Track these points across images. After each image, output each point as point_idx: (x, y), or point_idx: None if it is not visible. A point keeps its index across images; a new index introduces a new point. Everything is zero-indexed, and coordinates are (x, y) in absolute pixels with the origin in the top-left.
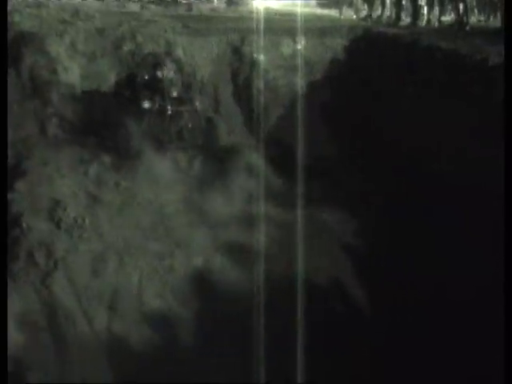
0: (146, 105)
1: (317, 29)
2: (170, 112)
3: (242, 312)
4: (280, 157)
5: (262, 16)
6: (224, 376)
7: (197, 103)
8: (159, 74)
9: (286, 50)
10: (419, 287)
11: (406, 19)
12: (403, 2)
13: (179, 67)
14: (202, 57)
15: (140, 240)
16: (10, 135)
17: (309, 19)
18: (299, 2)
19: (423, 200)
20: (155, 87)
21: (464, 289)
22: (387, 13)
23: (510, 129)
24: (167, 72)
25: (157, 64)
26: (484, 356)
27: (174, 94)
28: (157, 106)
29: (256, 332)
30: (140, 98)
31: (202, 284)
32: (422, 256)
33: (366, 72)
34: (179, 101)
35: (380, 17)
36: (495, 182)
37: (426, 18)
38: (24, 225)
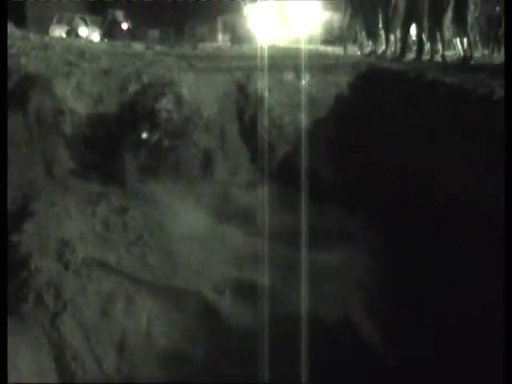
0: (144, 136)
1: (321, 65)
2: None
3: (248, 350)
4: (285, 194)
5: (266, 54)
6: None
7: (194, 137)
8: (157, 105)
9: (290, 87)
10: (431, 320)
11: (409, 55)
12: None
13: (179, 99)
14: (207, 95)
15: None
16: (17, 177)
17: (313, 56)
18: (303, 39)
19: (430, 233)
20: (154, 119)
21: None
22: (392, 48)
23: (510, 138)
24: (166, 104)
25: (157, 95)
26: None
27: (172, 127)
28: (155, 137)
29: (261, 371)
30: (139, 128)
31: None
32: (432, 288)
33: (370, 107)
34: (176, 134)
35: (384, 52)
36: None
37: (429, 53)
38: (33, 266)
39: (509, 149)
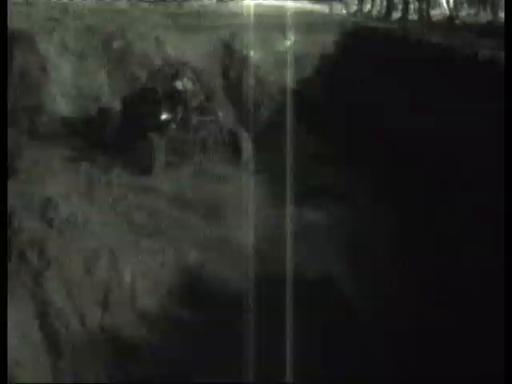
0: (164, 116)
1: (307, 24)
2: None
3: (232, 309)
4: (270, 153)
5: (252, 12)
6: (213, 372)
7: (220, 114)
8: (176, 84)
9: (276, 45)
10: (415, 284)
11: (395, 14)
12: None
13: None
14: (192, 53)
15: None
16: None
17: (299, 15)
18: None
19: (416, 194)
20: (175, 99)
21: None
22: (377, 7)
23: (510, 131)
24: (186, 83)
25: (174, 75)
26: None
27: (195, 105)
28: (179, 116)
29: (246, 329)
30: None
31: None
32: (418, 252)
33: (355, 66)
34: (201, 110)
35: (370, 11)
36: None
37: (416, 12)
38: (16, 224)
39: (509, 146)
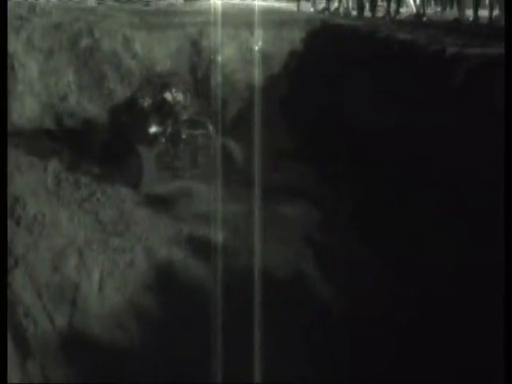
0: (153, 129)
1: (274, 21)
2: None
3: (200, 306)
4: (238, 151)
5: (219, 9)
6: (180, 369)
7: (210, 127)
8: (166, 95)
9: (243, 43)
10: (390, 282)
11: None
12: None
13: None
14: (160, 51)
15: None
16: None
17: (266, 13)
18: None
19: (386, 189)
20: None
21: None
22: (344, 5)
23: (510, 130)
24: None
25: (163, 86)
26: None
27: (185, 118)
28: (169, 130)
29: (214, 327)
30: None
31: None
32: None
33: (323, 64)
34: (191, 124)
35: (337, 9)
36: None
37: (383, 10)
38: None
39: (509, 147)
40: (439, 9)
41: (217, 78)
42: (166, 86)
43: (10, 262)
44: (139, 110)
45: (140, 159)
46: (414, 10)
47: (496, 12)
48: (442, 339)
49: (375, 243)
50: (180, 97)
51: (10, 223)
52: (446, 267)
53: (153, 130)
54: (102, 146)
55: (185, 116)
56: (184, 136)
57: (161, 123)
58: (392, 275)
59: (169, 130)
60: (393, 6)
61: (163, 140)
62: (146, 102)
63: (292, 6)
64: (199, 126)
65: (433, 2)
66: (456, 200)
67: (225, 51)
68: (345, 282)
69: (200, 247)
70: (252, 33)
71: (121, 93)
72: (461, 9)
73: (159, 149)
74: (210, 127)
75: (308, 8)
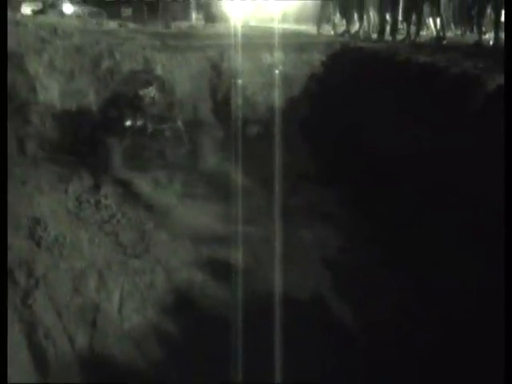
0: (128, 123)
1: (294, 44)
2: (150, 130)
3: (221, 329)
4: (258, 173)
5: (239, 32)
6: None
7: (179, 122)
8: (141, 92)
9: (263, 65)
10: (409, 304)
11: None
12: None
13: (161, 85)
14: (180, 73)
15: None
16: None
17: (286, 35)
18: (277, 18)
19: (406, 212)
20: (138, 106)
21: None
22: (365, 28)
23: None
24: (149, 90)
25: (139, 82)
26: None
27: (155, 112)
28: (138, 124)
29: (234, 350)
30: (123, 116)
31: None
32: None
33: (343, 86)
34: (161, 119)
35: (358, 32)
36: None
37: (404, 32)
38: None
39: (509, 147)
40: (459, 32)
41: (237, 101)
42: (145, 84)
43: (31, 282)
44: (119, 104)
45: (107, 150)
46: (435, 33)
47: None
48: (460, 364)
49: (394, 265)
50: (152, 93)
51: (31, 244)
52: (465, 290)
53: (128, 123)
54: (85, 139)
55: (154, 111)
56: (150, 130)
57: (133, 117)
58: (410, 298)
59: (137, 123)
60: (413, 28)
61: (130, 133)
62: (126, 97)
63: (312, 29)
64: (168, 121)
65: (453, 26)
66: (475, 223)
67: (245, 74)
68: (363, 304)
69: None
70: (272, 55)
71: None
72: (481, 32)
73: (127, 141)
74: (179, 122)
75: (328, 31)
